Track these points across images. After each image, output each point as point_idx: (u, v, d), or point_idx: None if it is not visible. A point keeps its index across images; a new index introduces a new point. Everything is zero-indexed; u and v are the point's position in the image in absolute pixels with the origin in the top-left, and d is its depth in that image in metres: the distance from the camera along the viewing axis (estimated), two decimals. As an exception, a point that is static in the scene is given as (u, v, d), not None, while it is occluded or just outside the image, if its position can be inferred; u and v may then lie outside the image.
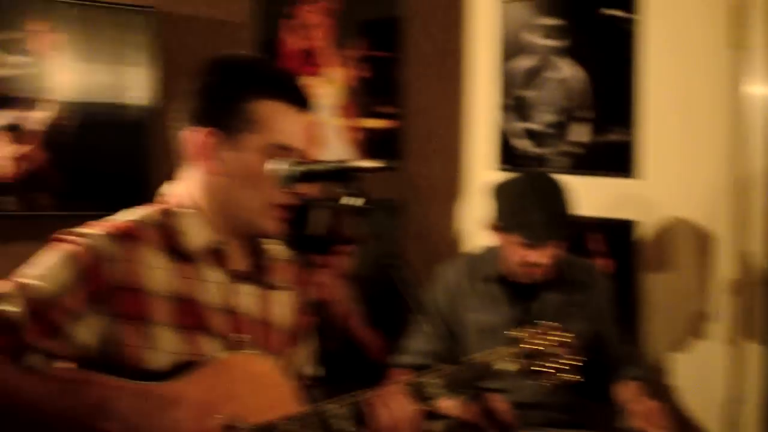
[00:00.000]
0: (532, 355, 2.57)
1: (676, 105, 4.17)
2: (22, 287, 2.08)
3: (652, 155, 4.26)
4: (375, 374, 4.00)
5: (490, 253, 3.85)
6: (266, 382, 2.25)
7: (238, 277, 2.30)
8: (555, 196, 3.66)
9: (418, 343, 3.80)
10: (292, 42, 4.58)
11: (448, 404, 2.81)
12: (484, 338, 3.67)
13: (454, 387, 2.41)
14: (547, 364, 2.57)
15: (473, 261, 3.91)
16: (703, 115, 4.07)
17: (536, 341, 2.59)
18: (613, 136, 4.42)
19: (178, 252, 2.22)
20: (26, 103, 3.88)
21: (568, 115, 4.64)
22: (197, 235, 2.24)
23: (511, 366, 2.54)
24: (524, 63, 4.82)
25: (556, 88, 4.70)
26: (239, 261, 2.31)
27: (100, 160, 4.07)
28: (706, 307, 4.07)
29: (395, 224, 4.57)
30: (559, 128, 4.68)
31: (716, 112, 4.00)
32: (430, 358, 3.67)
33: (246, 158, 2.21)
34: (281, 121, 2.23)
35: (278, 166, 2.15)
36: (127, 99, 4.11)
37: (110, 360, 2.11)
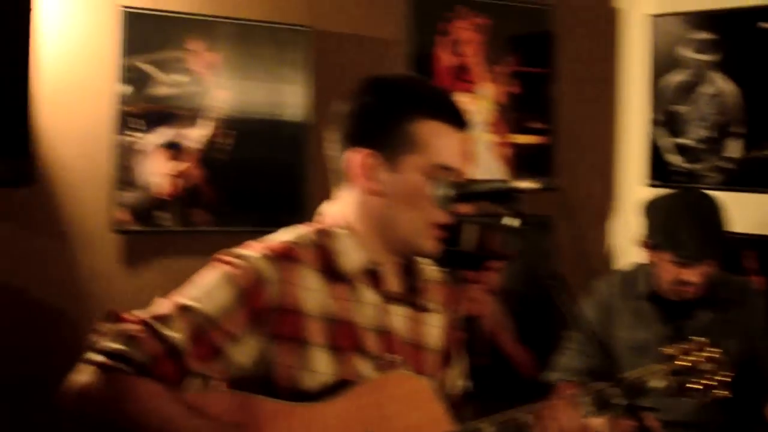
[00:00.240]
0: (683, 372, 2.55)
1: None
2: (183, 309, 2.08)
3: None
4: (525, 390, 4.03)
5: (643, 270, 3.82)
6: (418, 402, 2.24)
7: (392, 298, 2.29)
8: (708, 213, 3.62)
9: (569, 359, 3.78)
10: (445, 58, 4.63)
11: (598, 422, 2.81)
12: (635, 355, 3.64)
13: (605, 405, 2.39)
14: (697, 381, 2.56)
15: (626, 278, 3.88)
16: None
17: (687, 358, 2.57)
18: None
19: (334, 273, 2.21)
20: (185, 120, 3.98)
21: (721, 131, 4.60)
22: (353, 256, 2.23)
23: (663, 383, 2.52)
24: (676, 78, 4.79)
25: (708, 103, 4.66)
26: (393, 282, 2.30)
27: (255, 176, 4.15)
28: None
29: (547, 240, 4.59)
30: (712, 144, 4.64)
31: None
32: (581, 375, 3.66)
33: (406, 179, 2.19)
34: (441, 142, 2.20)
35: (438, 188, 2.15)
36: (283, 116, 4.19)
37: (265, 380, 2.12)
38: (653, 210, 3.70)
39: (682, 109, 4.77)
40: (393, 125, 2.21)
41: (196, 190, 4.00)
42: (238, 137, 4.08)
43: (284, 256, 2.17)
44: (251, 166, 4.13)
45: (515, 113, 4.82)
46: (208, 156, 4.03)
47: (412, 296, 2.34)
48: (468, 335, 2.61)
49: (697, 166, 4.69)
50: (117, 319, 2.08)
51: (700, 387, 2.54)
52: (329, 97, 4.12)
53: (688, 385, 2.55)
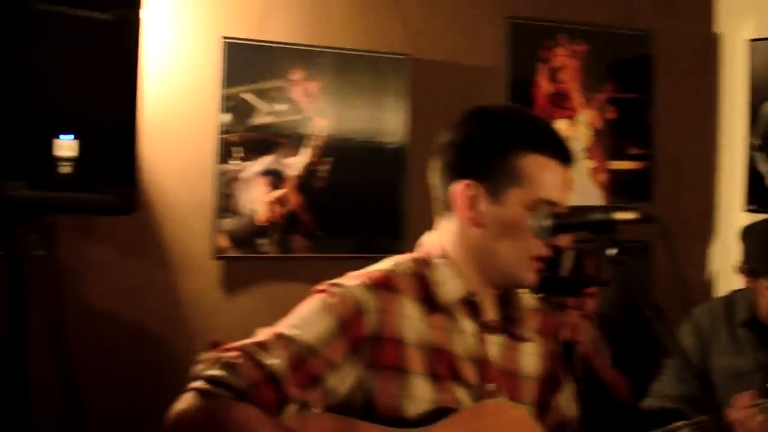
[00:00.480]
0: None
1: None
2: (283, 338, 2.10)
3: None
4: (621, 417, 4.00)
5: (742, 296, 3.78)
6: (519, 429, 2.24)
7: (489, 327, 2.29)
8: (807, 238, 3.58)
9: (666, 385, 3.75)
10: (544, 85, 4.64)
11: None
12: (733, 383, 3.60)
13: None
14: None
15: (724, 304, 3.84)
16: None
17: None
18: None
19: (432, 302, 2.22)
20: (284, 148, 4.05)
21: (822, 156, 4.55)
22: (451, 285, 2.23)
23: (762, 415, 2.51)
24: (776, 102, 4.74)
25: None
26: (490, 311, 2.30)
27: (353, 202, 4.19)
28: None
29: (644, 265, 4.56)
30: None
31: None
32: (678, 402, 3.63)
33: (508, 212, 2.19)
34: (547, 177, 2.20)
35: (537, 219, 2.14)
36: (381, 143, 4.23)
37: (364, 408, 2.13)
38: (751, 235, 3.67)
39: (782, 133, 4.72)
40: (498, 158, 2.20)
41: (294, 217, 4.06)
42: (336, 164, 4.13)
43: (383, 286, 2.19)
44: (349, 192, 4.17)
45: (613, 139, 4.80)
46: (306, 183, 4.08)
47: (508, 325, 2.34)
48: (564, 360, 2.60)
49: (797, 192, 4.63)
50: (218, 347, 2.12)
51: None
52: (427, 124, 4.20)
53: None
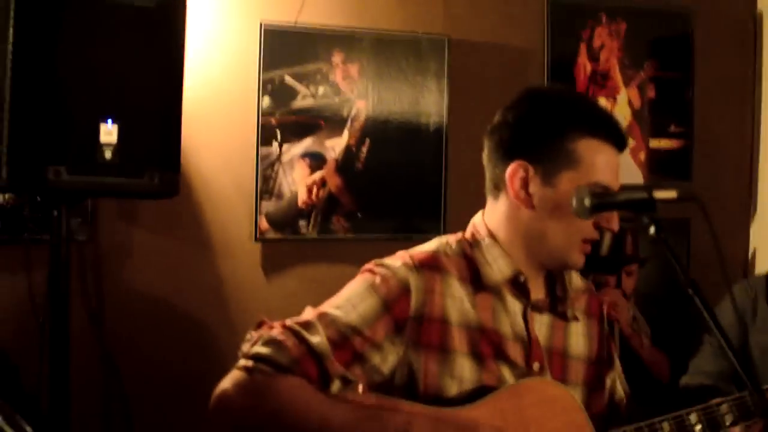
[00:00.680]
0: None
1: None
2: (327, 317, 2.14)
3: None
4: (660, 394, 4.01)
5: (781, 273, 3.79)
6: (559, 409, 2.24)
7: (536, 307, 2.31)
8: None
9: (704, 362, 3.76)
10: (584, 64, 4.62)
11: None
12: (770, 360, 3.63)
13: (747, 414, 2.37)
14: None
15: (764, 281, 3.85)
16: None
17: None
18: None
19: (478, 282, 2.25)
20: (324, 130, 4.06)
21: None
22: (498, 266, 2.25)
23: None
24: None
25: None
26: (538, 291, 2.32)
27: (393, 184, 4.18)
28: None
29: (684, 243, 4.55)
30: None
31: None
32: (716, 378, 3.64)
33: (560, 194, 2.20)
34: (601, 161, 2.21)
35: (580, 198, 2.13)
36: (421, 124, 4.23)
37: (406, 386, 2.17)
38: None
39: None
40: (553, 140, 2.22)
41: (334, 199, 4.07)
42: (376, 146, 4.14)
43: (429, 266, 2.22)
44: (389, 174, 4.18)
45: (653, 117, 4.79)
46: (346, 165, 4.10)
47: (556, 305, 2.35)
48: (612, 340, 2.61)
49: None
50: (263, 326, 2.15)
51: None
52: (467, 105, 4.20)
53: None
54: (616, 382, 2.47)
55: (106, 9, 3.07)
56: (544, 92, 2.38)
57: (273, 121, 3.96)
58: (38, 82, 2.96)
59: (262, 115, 3.94)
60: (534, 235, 2.25)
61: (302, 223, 4.01)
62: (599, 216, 2.23)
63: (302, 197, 4.00)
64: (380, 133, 4.15)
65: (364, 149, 4.11)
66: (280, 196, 3.96)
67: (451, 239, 2.32)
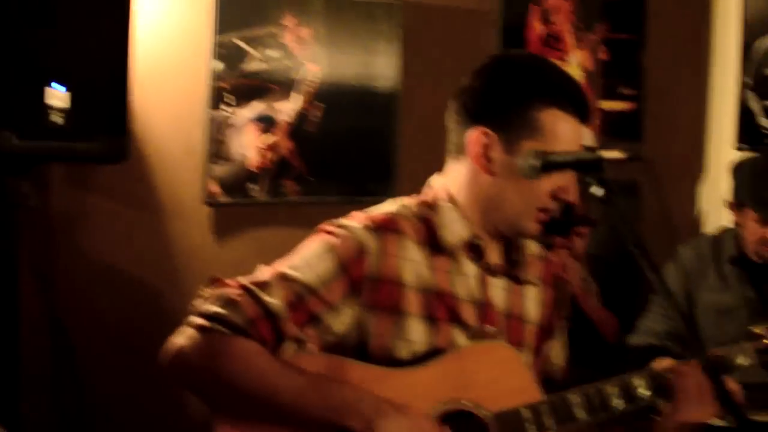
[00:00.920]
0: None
1: None
2: (283, 277, 2.13)
3: None
4: (609, 355, 4.04)
5: (730, 233, 3.82)
6: (507, 371, 2.25)
7: (492, 271, 2.31)
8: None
9: (652, 322, 3.79)
10: (536, 27, 4.62)
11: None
12: (719, 319, 3.66)
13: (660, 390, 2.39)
14: None
15: (712, 242, 3.88)
16: None
17: None
18: None
19: (435, 245, 2.24)
20: (276, 94, 4.03)
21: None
22: (455, 229, 2.25)
23: (748, 361, 2.53)
24: (768, 41, 4.75)
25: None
26: (494, 255, 2.32)
27: (344, 147, 4.18)
28: None
29: (634, 204, 4.58)
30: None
31: None
32: (663, 338, 3.68)
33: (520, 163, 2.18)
34: (564, 131, 2.19)
35: (527, 159, 2.14)
36: (373, 88, 4.21)
37: (359, 348, 2.17)
38: (740, 169, 3.71)
39: (774, 72, 4.73)
40: (517, 108, 2.20)
41: (286, 162, 4.05)
42: (328, 109, 4.12)
43: (386, 227, 2.21)
44: (341, 137, 4.17)
45: (605, 80, 4.81)
46: (298, 128, 4.07)
47: (511, 269, 2.36)
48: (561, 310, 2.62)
49: (788, 130, 4.65)
50: (218, 284, 2.15)
51: None
52: (419, 69, 4.20)
53: None
54: (553, 351, 2.48)
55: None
56: (512, 59, 2.35)
57: (224, 84, 3.93)
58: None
59: (213, 79, 3.91)
60: (492, 201, 2.25)
61: (253, 186, 3.99)
62: (557, 187, 2.23)
63: (253, 161, 3.98)
64: (332, 96, 4.13)
65: (316, 113, 4.10)
66: (230, 159, 3.94)
67: (409, 201, 2.32)
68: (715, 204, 4.79)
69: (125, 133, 3.23)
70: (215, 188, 3.92)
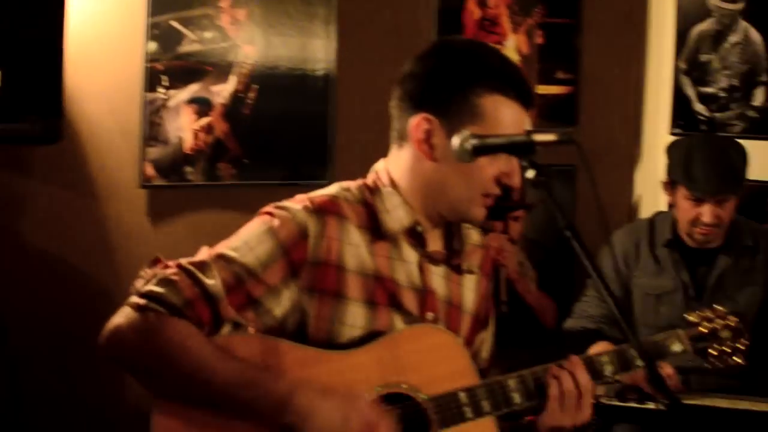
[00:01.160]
0: (703, 338, 2.61)
1: None
2: (222, 258, 2.13)
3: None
4: (545, 338, 4.08)
5: (664, 218, 3.87)
6: (443, 355, 2.27)
7: (432, 259, 2.32)
8: (725, 152, 3.66)
9: (588, 306, 3.83)
10: (473, 10, 4.63)
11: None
12: (654, 302, 3.70)
13: (626, 365, 2.42)
14: (715, 348, 2.62)
15: (646, 226, 3.93)
16: None
17: (708, 325, 2.63)
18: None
19: (377, 230, 2.25)
20: (211, 76, 3.99)
21: (747, 80, 4.61)
22: (397, 214, 2.26)
23: (682, 347, 2.58)
24: (704, 26, 4.78)
25: (735, 52, 4.65)
26: (435, 243, 2.33)
27: (280, 130, 4.14)
28: None
29: (570, 189, 4.62)
30: (738, 92, 4.64)
31: None
32: (599, 322, 3.72)
33: None
34: (506, 117, 2.19)
35: (460, 142, 2.14)
36: (309, 70, 4.18)
37: (298, 331, 2.17)
38: (674, 148, 3.77)
39: (708, 57, 4.77)
40: (459, 94, 2.20)
41: (221, 145, 4.02)
42: (263, 92, 4.09)
43: (328, 211, 2.21)
44: (276, 120, 4.14)
45: (541, 64, 4.83)
46: (233, 110, 4.04)
47: (452, 257, 2.37)
48: (494, 302, 2.63)
49: (722, 115, 4.70)
50: (158, 264, 2.14)
51: (716, 354, 2.62)
52: (355, 52, 4.18)
53: (707, 352, 2.62)
54: (484, 343, 2.50)
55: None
56: (454, 45, 2.36)
57: (159, 66, 3.89)
58: None
59: (148, 61, 3.87)
60: (435, 187, 2.25)
61: (188, 169, 3.96)
62: (501, 173, 2.23)
63: (188, 143, 3.95)
64: (268, 79, 4.10)
65: (252, 95, 4.07)
66: (166, 142, 3.90)
67: (352, 185, 2.32)
68: (650, 188, 4.84)
69: (59, 115, 3.20)
70: (151, 171, 3.88)
